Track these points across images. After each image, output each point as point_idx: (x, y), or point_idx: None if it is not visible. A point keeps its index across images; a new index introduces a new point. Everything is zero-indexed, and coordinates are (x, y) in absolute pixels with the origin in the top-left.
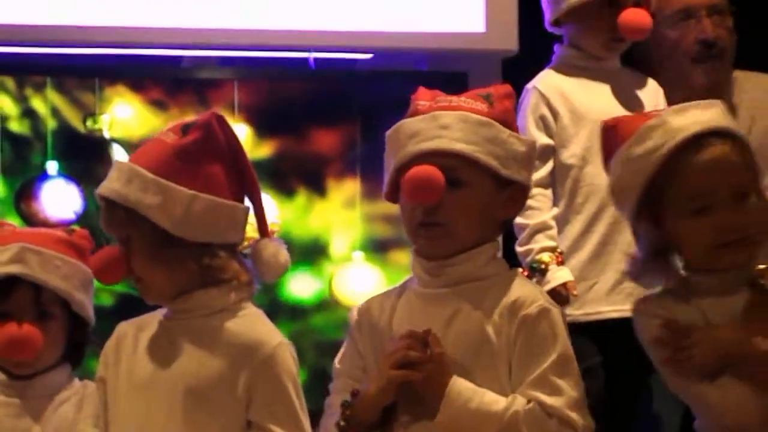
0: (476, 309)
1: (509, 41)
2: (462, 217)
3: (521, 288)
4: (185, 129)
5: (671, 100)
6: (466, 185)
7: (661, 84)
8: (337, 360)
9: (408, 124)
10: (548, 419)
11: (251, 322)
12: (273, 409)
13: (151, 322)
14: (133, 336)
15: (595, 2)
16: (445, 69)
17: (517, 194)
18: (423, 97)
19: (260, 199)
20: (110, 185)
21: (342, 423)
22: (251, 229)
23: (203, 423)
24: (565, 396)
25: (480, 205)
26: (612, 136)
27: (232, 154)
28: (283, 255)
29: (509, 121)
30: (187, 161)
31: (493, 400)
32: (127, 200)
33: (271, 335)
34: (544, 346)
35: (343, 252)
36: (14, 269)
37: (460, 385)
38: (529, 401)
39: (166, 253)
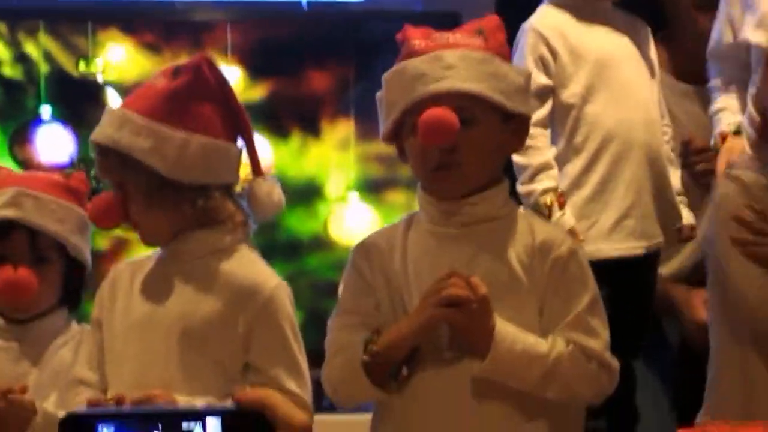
0: (500, 249)
1: None
2: (477, 156)
3: (546, 228)
4: (175, 72)
5: (680, 48)
6: (478, 123)
7: (672, 32)
8: (341, 295)
9: (411, 65)
10: (588, 362)
11: (248, 264)
12: (271, 351)
13: (146, 262)
14: (129, 277)
15: None
16: (438, 9)
17: (521, 127)
18: (415, 35)
19: (253, 140)
20: (102, 131)
21: (367, 359)
22: (245, 172)
23: (200, 363)
24: (601, 338)
25: (492, 142)
26: None
27: (223, 96)
28: (278, 193)
29: (505, 54)
30: (179, 103)
31: (537, 342)
32: (119, 145)
33: (269, 277)
34: (577, 287)
35: (339, 192)
36: (10, 213)
37: (505, 327)
38: (568, 343)
39: (161, 196)
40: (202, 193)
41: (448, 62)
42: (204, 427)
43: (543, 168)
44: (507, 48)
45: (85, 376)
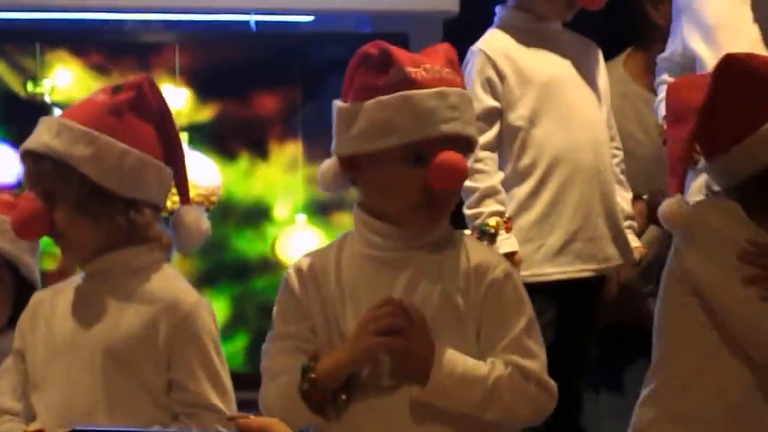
0: (436, 273)
1: (450, 3)
2: (456, 197)
3: (481, 251)
4: (116, 89)
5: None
6: None
7: (648, 43)
8: (276, 320)
9: (419, 97)
10: (527, 383)
11: (168, 282)
12: (193, 367)
13: (67, 287)
14: (49, 302)
15: None
16: (386, 31)
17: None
18: (405, 61)
19: (185, 167)
20: (38, 139)
21: (306, 386)
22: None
23: (124, 383)
24: (538, 359)
25: None
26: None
27: (162, 117)
28: (205, 222)
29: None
30: (119, 118)
31: (476, 365)
32: (56, 152)
33: (189, 294)
34: (513, 309)
35: (286, 214)
36: None
37: (444, 351)
38: (506, 365)
39: (93, 206)
40: (133, 207)
41: (453, 102)
42: None
43: (490, 192)
44: None
45: (9, 405)
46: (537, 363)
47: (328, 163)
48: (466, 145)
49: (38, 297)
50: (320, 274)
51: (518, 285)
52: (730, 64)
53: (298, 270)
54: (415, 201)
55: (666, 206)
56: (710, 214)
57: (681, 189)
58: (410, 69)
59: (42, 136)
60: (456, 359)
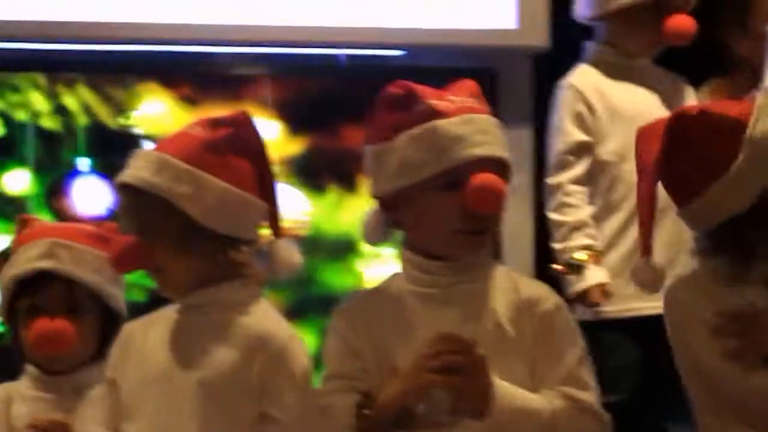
0: (487, 306)
1: (540, 38)
2: (498, 222)
3: (530, 284)
4: (214, 124)
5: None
6: None
7: (734, 76)
8: (327, 362)
9: (448, 126)
10: (583, 415)
11: (263, 316)
12: (283, 400)
13: (159, 318)
14: (142, 333)
15: (644, 4)
16: (476, 66)
17: None
18: (427, 95)
19: (277, 200)
20: (138, 174)
21: (361, 423)
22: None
23: (218, 416)
24: (592, 391)
25: None
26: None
27: (258, 153)
28: (297, 255)
29: None
30: (218, 154)
31: (533, 398)
32: (158, 189)
33: (283, 328)
34: (567, 341)
35: (373, 248)
36: (45, 264)
37: (502, 384)
38: (562, 398)
39: (193, 244)
40: (232, 245)
41: (482, 127)
42: None
43: (579, 226)
44: None
45: None
46: (591, 395)
47: (370, 213)
48: (502, 167)
49: (129, 328)
50: (369, 314)
51: (569, 317)
52: (681, 118)
53: (347, 311)
54: (455, 227)
55: (636, 271)
56: (676, 297)
57: (649, 249)
58: (434, 101)
59: (141, 171)
60: (515, 393)
